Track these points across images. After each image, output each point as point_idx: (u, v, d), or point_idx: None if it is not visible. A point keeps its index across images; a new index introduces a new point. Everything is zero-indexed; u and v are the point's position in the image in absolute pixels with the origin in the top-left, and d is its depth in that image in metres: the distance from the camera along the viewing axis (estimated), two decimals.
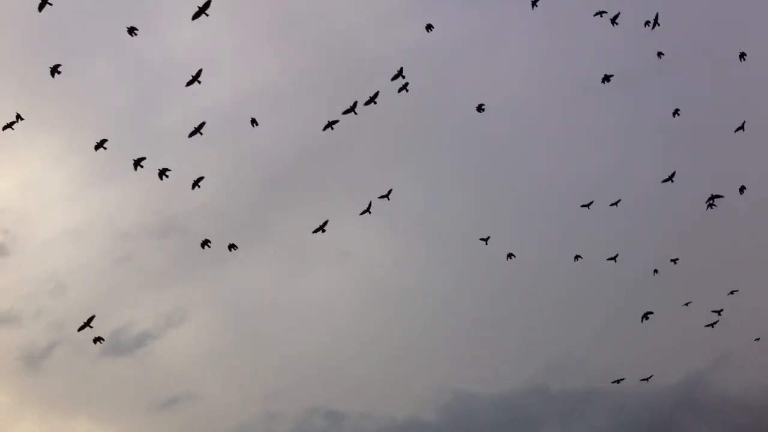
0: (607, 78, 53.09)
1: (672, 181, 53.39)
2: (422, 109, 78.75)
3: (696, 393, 67.04)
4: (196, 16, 44.19)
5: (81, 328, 46.00)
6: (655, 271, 57.01)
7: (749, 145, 68.64)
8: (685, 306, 57.08)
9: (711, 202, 52.59)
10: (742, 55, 55.22)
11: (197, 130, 44.57)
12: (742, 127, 54.31)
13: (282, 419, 73.16)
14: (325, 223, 50.64)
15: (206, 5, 43.47)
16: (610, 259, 56.71)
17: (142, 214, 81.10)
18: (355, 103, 46.71)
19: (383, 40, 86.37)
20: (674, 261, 55.93)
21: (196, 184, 46.33)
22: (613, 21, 53.49)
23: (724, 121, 73.38)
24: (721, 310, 56.10)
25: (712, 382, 68.06)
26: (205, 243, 48.64)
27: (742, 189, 54.63)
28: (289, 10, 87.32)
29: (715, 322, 56.66)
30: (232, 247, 48.84)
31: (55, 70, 42.22)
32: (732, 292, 56.38)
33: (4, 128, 41.14)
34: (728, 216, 64.55)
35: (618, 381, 57.52)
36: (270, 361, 77.29)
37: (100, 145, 41.90)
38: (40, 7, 40.23)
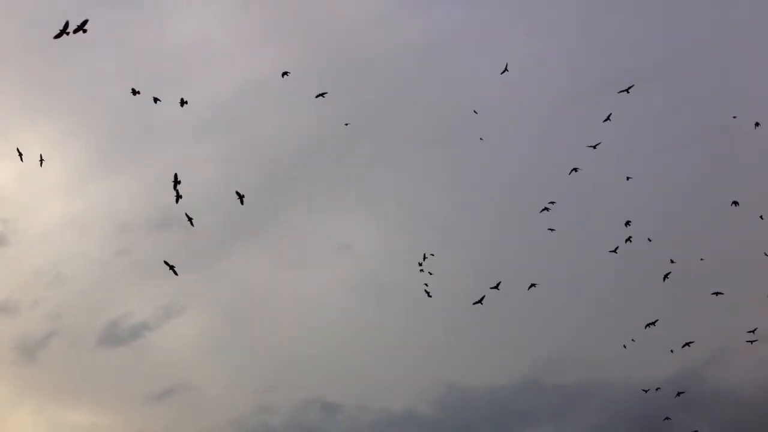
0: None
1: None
2: (424, 107, 79.03)
3: (691, 388, 67.16)
4: None
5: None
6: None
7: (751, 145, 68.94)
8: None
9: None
10: None
11: None
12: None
13: (277, 411, 73.39)
14: None
15: None
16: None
17: (141, 206, 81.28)
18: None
19: (386, 35, 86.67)
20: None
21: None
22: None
23: (723, 122, 73.66)
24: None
25: (707, 378, 68.29)
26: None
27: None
28: (292, 4, 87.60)
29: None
30: None
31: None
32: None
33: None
34: (729, 218, 64.81)
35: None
36: (266, 353, 77.47)
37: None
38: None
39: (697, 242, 68.31)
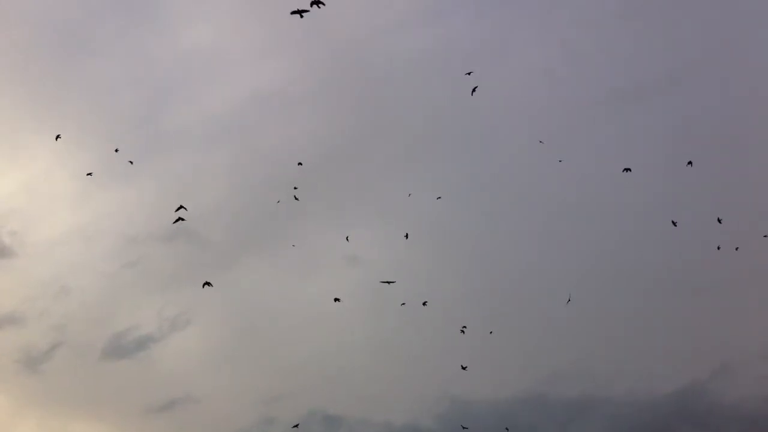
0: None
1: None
2: (436, 116, 79.23)
3: (693, 402, 67.24)
4: None
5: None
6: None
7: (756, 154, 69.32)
8: None
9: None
10: None
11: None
12: None
13: (280, 423, 73.21)
14: None
15: None
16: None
17: (148, 218, 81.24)
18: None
19: (395, 45, 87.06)
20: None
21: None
22: None
23: (730, 132, 74.18)
24: None
25: (709, 392, 68.31)
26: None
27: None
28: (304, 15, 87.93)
29: None
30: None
31: None
32: None
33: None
34: (735, 231, 65.12)
35: None
36: (269, 365, 77.36)
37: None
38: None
39: (706, 256, 68.67)
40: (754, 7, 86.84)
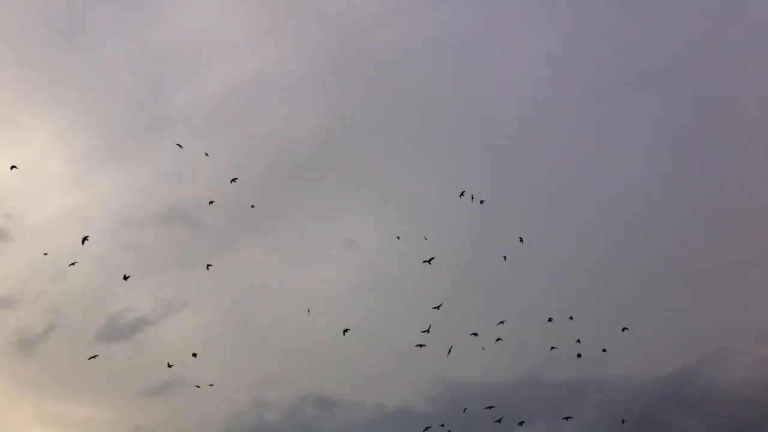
0: None
1: None
2: (432, 105, 79.35)
3: (686, 386, 67.65)
4: None
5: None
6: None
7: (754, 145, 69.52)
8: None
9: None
10: None
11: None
12: None
13: (274, 406, 73.56)
14: None
15: None
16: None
17: (145, 200, 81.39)
18: None
19: (396, 31, 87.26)
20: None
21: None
22: None
23: (730, 121, 74.44)
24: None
25: (702, 376, 68.71)
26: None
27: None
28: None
29: None
30: None
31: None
32: None
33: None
34: (731, 217, 65.38)
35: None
36: (264, 349, 77.62)
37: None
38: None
39: (701, 241, 69.02)
40: None
